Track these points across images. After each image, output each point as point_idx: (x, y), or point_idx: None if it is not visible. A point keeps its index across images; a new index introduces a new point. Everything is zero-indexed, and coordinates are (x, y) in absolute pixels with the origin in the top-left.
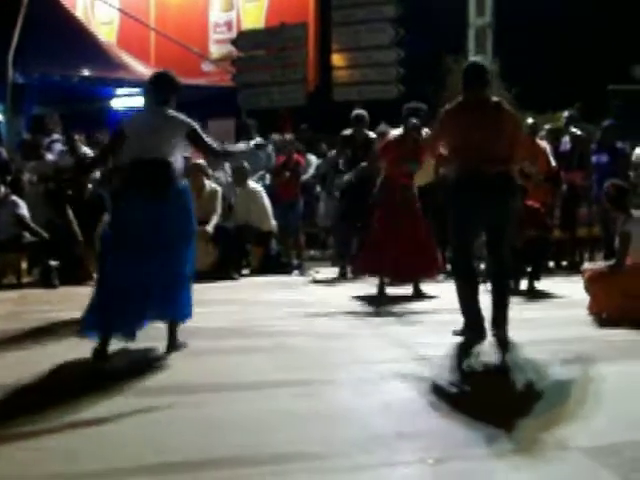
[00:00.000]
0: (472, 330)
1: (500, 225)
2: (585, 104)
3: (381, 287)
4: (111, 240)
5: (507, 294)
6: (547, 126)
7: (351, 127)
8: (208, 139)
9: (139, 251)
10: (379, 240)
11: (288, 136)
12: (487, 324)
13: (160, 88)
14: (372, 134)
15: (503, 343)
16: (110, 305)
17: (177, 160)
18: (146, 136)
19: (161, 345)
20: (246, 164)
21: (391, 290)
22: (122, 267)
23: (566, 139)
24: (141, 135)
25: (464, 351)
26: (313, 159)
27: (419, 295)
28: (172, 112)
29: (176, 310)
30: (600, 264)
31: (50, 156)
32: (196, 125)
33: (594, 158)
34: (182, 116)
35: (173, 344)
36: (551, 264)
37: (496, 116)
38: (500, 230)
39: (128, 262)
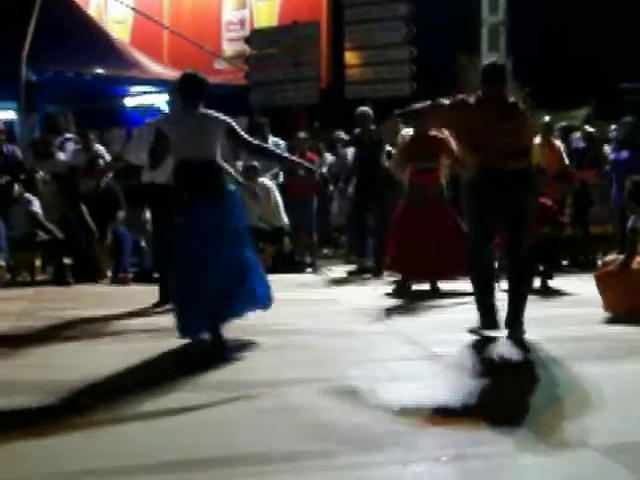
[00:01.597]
0: (486, 319)
1: (519, 222)
2: (599, 102)
3: (404, 284)
4: (179, 247)
5: (525, 294)
6: (563, 123)
7: (356, 126)
8: (246, 135)
9: (204, 253)
10: (411, 240)
11: (302, 134)
12: (501, 320)
13: (193, 89)
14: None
15: (519, 342)
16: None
17: (220, 160)
18: (191, 137)
19: (164, 343)
20: (256, 162)
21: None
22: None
23: (578, 136)
24: (185, 136)
25: (478, 347)
26: (329, 157)
27: (435, 291)
28: (208, 111)
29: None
30: (612, 258)
31: (62, 155)
32: (233, 122)
33: (612, 155)
34: (218, 114)
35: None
36: (565, 262)
37: (514, 113)
38: (520, 227)
39: (197, 264)
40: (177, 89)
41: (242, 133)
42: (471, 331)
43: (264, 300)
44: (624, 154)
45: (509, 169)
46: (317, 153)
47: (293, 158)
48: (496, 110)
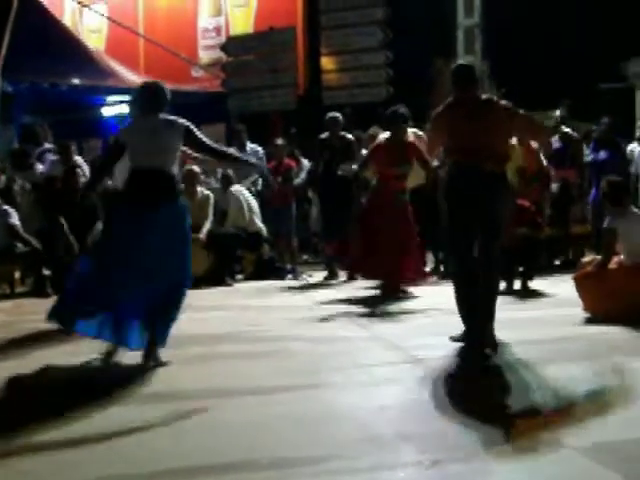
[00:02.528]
0: (472, 334)
1: (492, 224)
2: (575, 102)
3: (384, 289)
4: (103, 242)
5: (495, 295)
6: None
7: (326, 130)
8: (205, 138)
9: (131, 257)
10: (376, 243)
11: (279, 141)
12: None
13: (151, 97)
14: (349, 135)
15: (491, 343)
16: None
17: (176, 167)
18: (145, 144)
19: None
20: (230, 171)
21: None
22: (110, 269)
23: (555, 137)
24: (140, 143)
25: (460, 350)
26: (306, 163)
27: (386, 295)
28: (167, 116)
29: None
30: (590, 259)
31: (40, 166)
32: (191, 125)
33: (591, 156)
34: (176, 118)
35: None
36: (545, 263)
37: (488, 113)
38: (492, 230)
39: (118, 265)
40: (135, 99)
41: (199, 134)
42: (455, 340)
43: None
44: (602, 154)
45: (482, 171)
46: (294, 159)
47: (245, 159)
48: (468, 111)
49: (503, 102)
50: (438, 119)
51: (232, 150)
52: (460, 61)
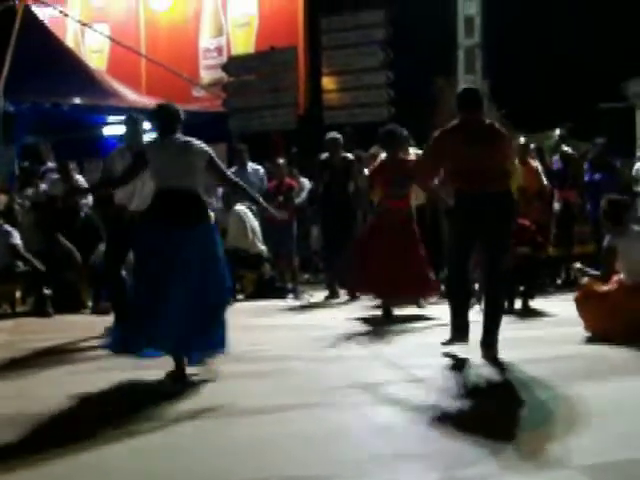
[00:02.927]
0: (458, 331)
1: (499, 244)
2: (576, 122)
3: (387, 309)
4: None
5: (500, 314)
6: (532, 146)
7: (326, 151)
8: (225, 168)
9: (168, 277)
10: (378, 262)
11: (280, 160)
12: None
13: (172, 118)
14: (350, 155)
15: (494, 362)
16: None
17: (203, 188)
18: (173, 163)
19: (151, 372)
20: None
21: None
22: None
23: (556, 157)
24: (167, 164)
25: (461, 369)
26: (306, 183)
27: (388, 316)
28: (189, 139)
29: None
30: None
31: (43, 185)
32: (212, 152)
33: (587, 176)
34: (199, 142)
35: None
36: (548, 282)
37: (492, 136)
38: (499, 250)
39: (158, 286)
40: (155, 118)
41: (220, 164)
42: (445, 343)
43: (219, 345)
44: (597, 175)
45: (488, 192)
46: (293, 179)
47: (262, 202)
48: (475, 134)
49: (508, 135)
50: (439, 142)
51: (248, 188)
52: (462, 83)
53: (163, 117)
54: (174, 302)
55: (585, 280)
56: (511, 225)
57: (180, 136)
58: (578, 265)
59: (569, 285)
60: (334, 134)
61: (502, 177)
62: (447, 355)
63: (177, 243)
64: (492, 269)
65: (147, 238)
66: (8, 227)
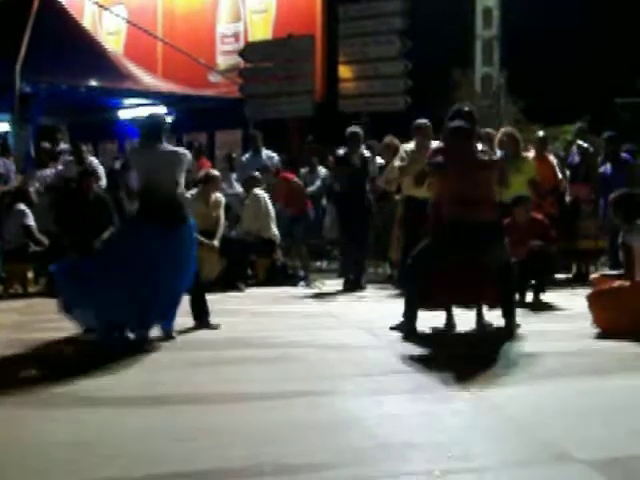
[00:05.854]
0: (410, 322)
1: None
2: (593, 117)
3: (450, 317)
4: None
5: (511, 302)
6: (540, 133)
7: (345, 146)
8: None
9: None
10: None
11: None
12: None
13: (158, 128)
14: (367, 153)
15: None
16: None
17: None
18: (156, 171)
19: (161, 354)
20: (257, 173)
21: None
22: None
23: (574, 150)
24: (150, 170)
25: (471, 361)
26: (322, 171)
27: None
28: (172, 147)
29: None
30: (607, 273)
31: (59, 167)
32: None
33: (601, 170)
34: (179, 149)
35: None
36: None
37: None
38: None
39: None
40: (143, 126)
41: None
42: (394, 328)
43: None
44: (609, 169)
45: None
46: (310, 166)
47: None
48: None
49: (496, 163)
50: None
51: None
52: (479, 75)
53: (150, 127)
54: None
55: (596, 276)
56: (495, 252)
57: (164, 146)
58: (599, 274)
59: (579, 279)
60: (355, 128)
61: (488, 204)
62: (456, 346)
63: (153, 240)
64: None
65: (126, 231)
66: (23, 207)
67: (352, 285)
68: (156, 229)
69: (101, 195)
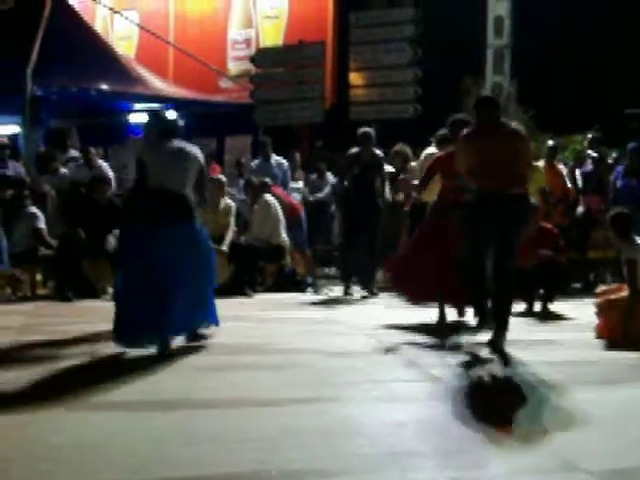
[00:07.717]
0: (485, 316)
1: (510, 241)
2: (602, 127)
3: (442, 313)
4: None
5: (508, 307)
6: (549, 142)
7: (358, 145)
8: (206, 180)
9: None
10: (434, 264)
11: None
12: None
13: (173, 124)
14: (379, 152)
15: (502, 356)
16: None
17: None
18: (167, 168)
19: (169, 360)
20: (255, 179)
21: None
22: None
23: (589, 160)
24: (161, 166)
25: (477, 370)
26: (330, 178)
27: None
28: (186, 144)
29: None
30: (613, 287)
31: (64, 170)
32: (204, 162)
33: (620, 182)
34: (194, 149)
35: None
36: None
37: (511, 138)
38: (509, 246)
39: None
40: (157, 122)
41: (204, 179)
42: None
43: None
44: (634, 181)
45: (506, 194)
46: (319, 172)
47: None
48: (493, 136)
49: (527, 139)
50: (465, 142)
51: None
52: (490, 84)
53: (164, 122)
54: (155, 292)
55: (603, 288)
56: (522, 228)
57: (177, 142)
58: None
59: (588, 289)
60: (366, 128)
61: (520, 180)
62: (464, 354)
63: (161, 240)
64: (500, 265)
65: (133, 234)
66: (34, 209)
67: (365, 293)
68: (156, 229)
69: (113, 200)
